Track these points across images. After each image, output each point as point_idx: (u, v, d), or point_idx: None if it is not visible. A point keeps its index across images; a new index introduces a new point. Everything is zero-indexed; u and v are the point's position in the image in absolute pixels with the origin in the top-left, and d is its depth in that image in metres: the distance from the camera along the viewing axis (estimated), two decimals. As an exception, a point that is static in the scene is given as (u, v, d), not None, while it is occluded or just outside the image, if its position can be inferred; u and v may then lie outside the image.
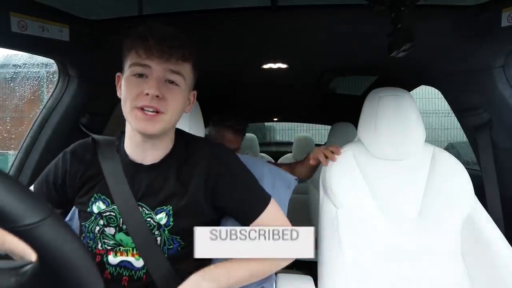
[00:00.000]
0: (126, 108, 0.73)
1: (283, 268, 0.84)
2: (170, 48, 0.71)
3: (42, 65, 1.73)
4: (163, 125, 0.73)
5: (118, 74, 0.79)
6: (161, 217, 0.77)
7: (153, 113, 0.71)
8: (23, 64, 1.77)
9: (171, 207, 0.77)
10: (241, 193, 0.80)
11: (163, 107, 0.72)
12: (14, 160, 1.27)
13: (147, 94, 0.70)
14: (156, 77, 0.71)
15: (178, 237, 0.79)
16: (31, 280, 0.37)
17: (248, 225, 0.78)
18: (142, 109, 0.71)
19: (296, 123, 4.09)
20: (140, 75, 0.72)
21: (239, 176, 0.81)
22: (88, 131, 1.28)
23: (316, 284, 0.98)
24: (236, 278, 0.74)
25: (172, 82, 0.73)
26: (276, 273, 0.96)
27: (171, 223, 0.77)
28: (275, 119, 3.82)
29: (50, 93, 1.32)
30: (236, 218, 0.82)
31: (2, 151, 2.22)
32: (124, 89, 0.74)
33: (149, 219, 0.77)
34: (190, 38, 0.74)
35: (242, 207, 0.80)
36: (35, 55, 1.23)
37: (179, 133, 0.84)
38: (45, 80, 1.77)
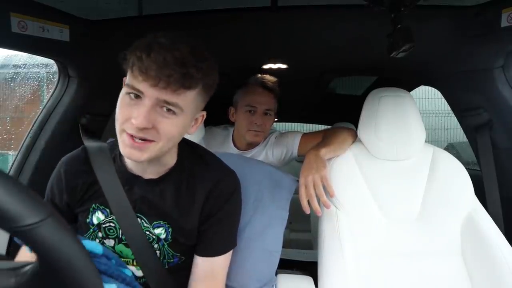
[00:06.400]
0: (116, 127, 0.67)
1: (283, 269, 0.84)
2: (169, 77, 0.60)
3: (42, 66, 1.73)
4: (152, 153, 0.66)
5: (124, 78, 0.71)
6: (160, 232, 0.76)
7: (141, 141, 0.64)
8: (23, 64, 1.77)
9: (169, 225, 0.76)
10: (217, 230, 0.77)
11: (153, 136, 0.64)
12: (14, 160, 1.27)
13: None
14: (148, 106, 0.62)
15: (178, 254, 0.78)
16: (31, 280, 0.37)
17: (201, 256, 0.77)
18: (129, 136, 0.64)
19: (296, 123, 4.08)
20: (136, 95, 0.64)
21: (229, 214, 0.79)
22: (88, 131, 1.28)
23: (316, 284, 0.98)
24: None
25: (168, 110, 0.64)
26: (276, 273, 0.96)
27: (170, 240, 0.76)
28: (275, 120, 3.82)
29: (50, 94, 1.32)
30: (197, 245, 0.78)
31: (2, 151, 2.22)
32: (117, 106, 0.66)
33: (147, 232, 0.75)
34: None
35: (208, 240, 0.77)
36: (35, 56, 1.23)
37: (186, 146, 0.80)
38: (45, 81, 1.77)
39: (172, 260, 0.78)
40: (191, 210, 0.76)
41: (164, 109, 0.64)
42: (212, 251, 0.77)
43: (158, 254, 0.76)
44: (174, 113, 0.65)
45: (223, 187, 0.78)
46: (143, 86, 0.62)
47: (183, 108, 0.65)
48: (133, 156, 0.65)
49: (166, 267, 0.77)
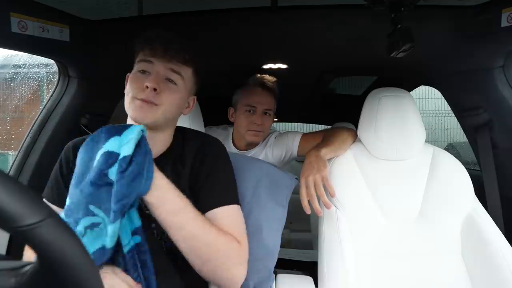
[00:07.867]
0: (127, 100, 0.78)
1: (283, 268, 0.84)
2: (173, 51, 0.77)
3: (42, 66, 1.73)
4: (155, 116, 0.77)
5: (128, 74, 0.84)
6: None
7: (147, 103, 0.76)
8: (23, 64, 1.77)
9: None
10: (212, 183, 0.81)
11: (158, 100, 0.76)
12: (14, 160, 1.27)
13: (147, 87, 0.76)
14: (157, 73, 0.77)
15: None
16: (31, 280, 0.37)
17: (204, 213, 0.77)
18: (140, 100, 0.77)
19: (296, 123, 4.08)
20: (143, 72, 0.78)
21: (219, 170, 0.83)
22: (88, 131, 1.28)
23: (316, 284, 0.98)
24: (177, 220, 0.70)
25: (171, 80, 0.79)
26: (276, 273, 0.96)
27: None
28: (275, 120, 3.82)
29: (50, 94, 1.32)
30: (198, 203, 0.79)
31: (2, 151, 2.22)
32: (129, 84, 0.80)
33: (148, 212, 0.77)
34: (191, 40, 0.75)
35: (207, 194, 0.80)
36: (35, 56, 1.23)
37: (179, 130, 0.89)
38: (45, 81, 1.78)
39: (169, 239, 0.79)
40: (182, 173, 0.82)
41: (168, 80, 0.79)
42: (210, 203, 0.79)
43: (155, 234, 0.78)
44: (175, 83, 0.79)
45: (207, 149, 0.85)
46: (153, 58, 0.77)
47: (184, 78, 0.80)
48: (143, 118, 0.75)
49: (164, 248, 0.78)
